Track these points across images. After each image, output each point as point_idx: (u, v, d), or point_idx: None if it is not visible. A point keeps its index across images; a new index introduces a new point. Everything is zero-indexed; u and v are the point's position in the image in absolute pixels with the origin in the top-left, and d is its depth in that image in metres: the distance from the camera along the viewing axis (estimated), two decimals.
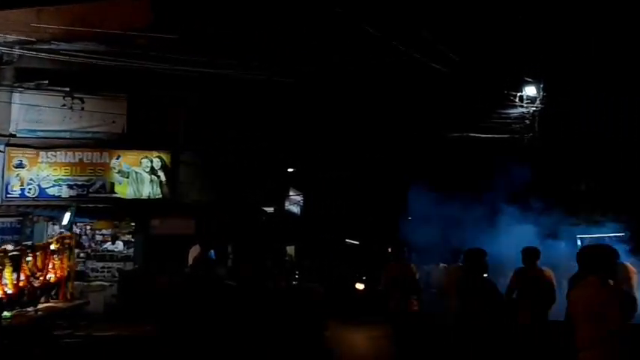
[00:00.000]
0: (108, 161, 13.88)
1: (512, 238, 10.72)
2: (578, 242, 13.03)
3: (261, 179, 14.89)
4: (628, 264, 7.53)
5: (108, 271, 13.65)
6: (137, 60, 11.83)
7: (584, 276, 3.75)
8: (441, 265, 11.41)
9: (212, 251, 10.49)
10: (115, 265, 13.72)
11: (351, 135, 17.92)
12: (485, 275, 6.36)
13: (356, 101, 15.76)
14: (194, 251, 10.29)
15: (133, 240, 14.26)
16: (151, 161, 13.92)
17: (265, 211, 16.32)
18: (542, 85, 14.91)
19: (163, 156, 13.97)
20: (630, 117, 14.02)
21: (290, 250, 18.92)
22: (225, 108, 13.94)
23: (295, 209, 19.79)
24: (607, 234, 12.95)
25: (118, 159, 13.86)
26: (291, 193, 19.16)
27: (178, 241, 11.89)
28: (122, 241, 14.24)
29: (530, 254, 6.91)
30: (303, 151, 18.37)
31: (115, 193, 13.84)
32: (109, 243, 14.22)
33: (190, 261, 10.27)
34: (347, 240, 26.87)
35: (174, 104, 13.94)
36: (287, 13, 11.81)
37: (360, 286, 10.62)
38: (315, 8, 10.63)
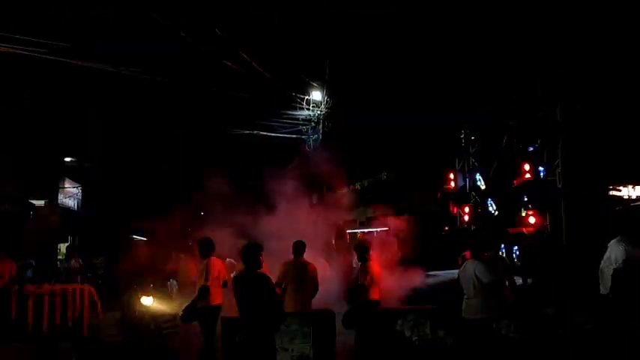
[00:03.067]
0: None
1: (296, 232, 11.18)
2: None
3: (27, 168, 13.12)
4: None
5: None
6: None
7: None
8: (228, 260, 11.41)
9: None
10: None
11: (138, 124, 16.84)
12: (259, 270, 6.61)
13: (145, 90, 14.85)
14: None
15: None
16: None
17: (33, 205, 14.46)
18: (325, 91, 15.98)
19: None
20: None
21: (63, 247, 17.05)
22: None
23: (72, 202, 17.95)
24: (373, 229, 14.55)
25: None
26: (66, 185, 17.31)
27: None
28: None
29: (297, 247, 7.35)
30: (82, 139, 16.76)
31: None
32: None
33: None
34: (134, 236, 25.41)
35: None
36: None
37: (146, 300, 8.89)
38: None
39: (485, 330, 6.24)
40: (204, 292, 6.83)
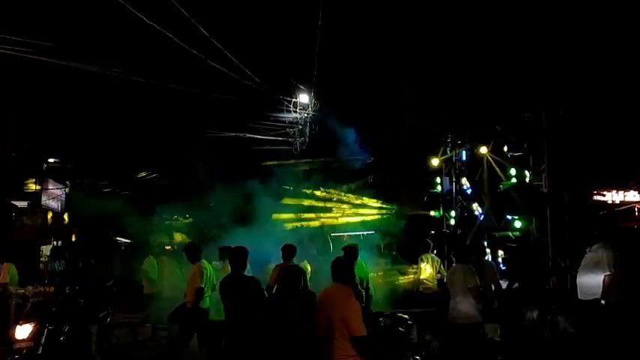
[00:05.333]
0: None
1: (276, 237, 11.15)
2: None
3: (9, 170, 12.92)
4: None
5: None
6: None
7: None
8: (214, 263, 11.37)
9: None
10: None
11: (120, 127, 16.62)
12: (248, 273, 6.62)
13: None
14: None
15: None
16: None
17: (16, 207, 14.23)
18: (313, 94, 15.92)
19: None
20: None
21: (45, 249, 16.77)
22: None
23: (55, 204, 17.69)
24: (360, 232, 14.53)
25: None
26: (50, 187, 17.05)
27: None
28: None
29: (287, 251, 7.38)
30: (69, 140, 16.53)
31: None
32: None
33: None
34: (118, 238, 25.16)
35: None
36: None
37: None
38: None
39: (471, 334, 6.25)
40: (200, 294, 6.91)
